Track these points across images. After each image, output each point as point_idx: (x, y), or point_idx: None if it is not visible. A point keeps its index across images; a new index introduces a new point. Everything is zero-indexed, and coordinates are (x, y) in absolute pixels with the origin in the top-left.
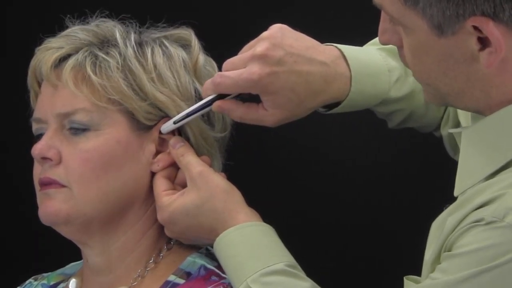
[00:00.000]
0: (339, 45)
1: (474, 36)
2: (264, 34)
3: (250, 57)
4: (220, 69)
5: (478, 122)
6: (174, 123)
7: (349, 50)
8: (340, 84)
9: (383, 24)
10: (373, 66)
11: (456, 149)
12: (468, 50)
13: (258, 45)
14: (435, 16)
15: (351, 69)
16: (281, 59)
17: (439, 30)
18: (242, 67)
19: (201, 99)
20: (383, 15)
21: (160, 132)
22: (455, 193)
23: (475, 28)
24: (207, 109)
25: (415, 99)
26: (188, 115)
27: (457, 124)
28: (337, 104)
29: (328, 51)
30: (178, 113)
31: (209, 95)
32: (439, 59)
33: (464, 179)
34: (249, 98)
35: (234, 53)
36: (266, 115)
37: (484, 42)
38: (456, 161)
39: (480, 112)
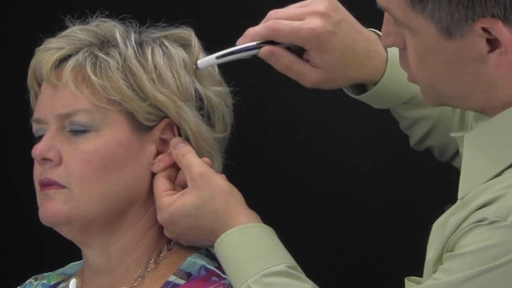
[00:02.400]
0: (377, 31)
1: (483, 38)
2: None
3: (312, 12)
4: (220, 69)
5: (481, 125)
6: (217, 58)
7: None
8: (378, 63)
9: (386, 26)
10: None
11: None
12: (477, 52)
13: (318, 4)
14: (443, 19)
15: (388, 52)
16: (340, 21)
17: (448, 33)
18: (300, 19)
19: (201, 99)
20: (386, 18)
21: (196, 67)
22: (459, 196)
23: (484, 30)
24: (252, 52)
25: (442, 108)
26: (233, 52)
27: None
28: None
29: (368, 32)
30: (178, 114)
31: (256, 40)
32: (446, 62)
33: (468, 182)
34: None
35: None
36: (311, 71)
37: (493, 44)
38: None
39: (483, 112)
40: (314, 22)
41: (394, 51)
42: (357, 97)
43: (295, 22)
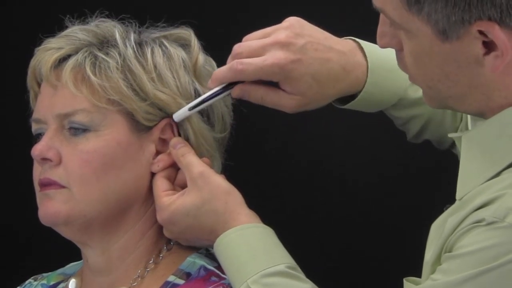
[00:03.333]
0: (356, 38)
1: (479, 41)
2: (283, 24)
3: (273, 43)
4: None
5: (479, 126)
6: (189, 109)
7: (366, 43)
8: (358, 73)
9: (382, 27)
10: (390, 62)
11: None
12: (473, 54)
13: (280, 33)
14: (440, 21)
15: (368, 60)
16: (303, 46)
17: (444, 35)
18: (262, 53)
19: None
20: (382, 19)
21: (173, 121)
22: (457, 197)
23: (480, 32)
24: (223, 95)
25: None
26: (203, 101)
27: None
28: (354, 98)
29: (344, 43)
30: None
31: (224, 83)
32: (442, 64)
33: (466, 183)
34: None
35: None
36: (287, 98)
37: (489, 46)
38: (457, 162)
39: (480, 115)
40: (276, 55)
41: (374, 58)
42: (343, 107)
43: (258, 59)
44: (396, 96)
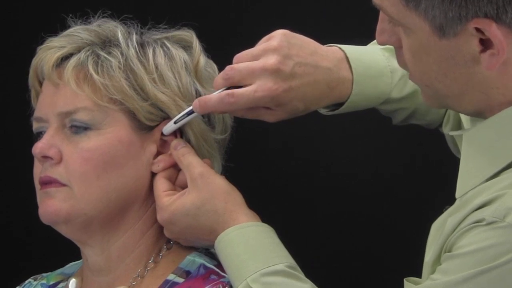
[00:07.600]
0: (343, 46)
1: (476, 38)
2: (271, 45)
3: (261, 70)
4: (220, 70)
5: (479, 124)
6: (175, 123)
7: (352, 51)
8: (342, 88)
9: (381, 24)
10: (375, 68)
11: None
12: (469, 51)
13: (268, 58)
14: (437, 17)
15: (354, 72)
16: (292, 71)
17: (441, 32)
18: (252, 80)
19: None
20: (381, 15)
21: (162, 134)
22: (457, 195)
23: (477, 29)
24: None
25: (418, 97)
26: (188, 114)
27: (458, 123)
28: (339, 105)
29: (331, 54)
30: (179, 113)
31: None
32: (440, 60)
33: (466, 181)
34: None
35: (235, 54)
36: (268, 114)
37: (485, 44)
38: (458, 162)
39: (479, 114)
40: (266, 85)
41: (359, 68)
42: (327, 114)
43: (248, 91)
44: (380, 99)
